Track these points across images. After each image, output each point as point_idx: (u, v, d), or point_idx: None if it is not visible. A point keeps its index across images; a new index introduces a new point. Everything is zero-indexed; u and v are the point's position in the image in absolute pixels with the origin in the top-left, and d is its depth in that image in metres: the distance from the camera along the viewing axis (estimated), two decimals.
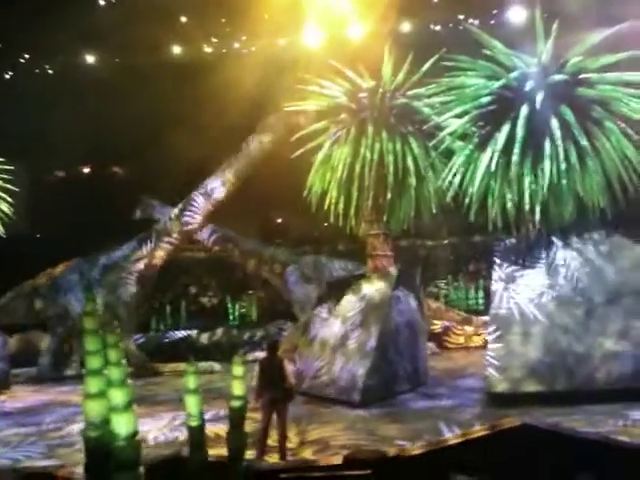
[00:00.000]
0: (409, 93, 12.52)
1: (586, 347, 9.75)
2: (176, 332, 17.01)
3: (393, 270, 12.31)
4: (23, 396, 13.41)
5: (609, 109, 10.56)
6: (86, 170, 24.50)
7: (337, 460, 6.78)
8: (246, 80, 16.92)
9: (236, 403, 4.98)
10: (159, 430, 9.66)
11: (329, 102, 12.68)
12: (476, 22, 19.73)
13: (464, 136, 11.10)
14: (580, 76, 10.61)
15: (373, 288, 11.82)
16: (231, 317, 19.67)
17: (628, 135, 10.44)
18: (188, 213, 16.64)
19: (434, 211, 12.38)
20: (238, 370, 4.88)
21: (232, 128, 17.09)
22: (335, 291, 12.35)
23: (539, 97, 10.07)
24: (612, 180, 10.39)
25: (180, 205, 16.82)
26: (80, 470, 4.45)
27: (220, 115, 17.23)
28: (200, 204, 16.65)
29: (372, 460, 6.32)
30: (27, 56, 22.07)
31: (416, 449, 6.48)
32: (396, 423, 9.45)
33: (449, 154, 11.40)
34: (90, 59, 21.82)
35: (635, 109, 10.42)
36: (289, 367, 8.57)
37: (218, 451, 5.69)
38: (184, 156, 18.01)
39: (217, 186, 16.74)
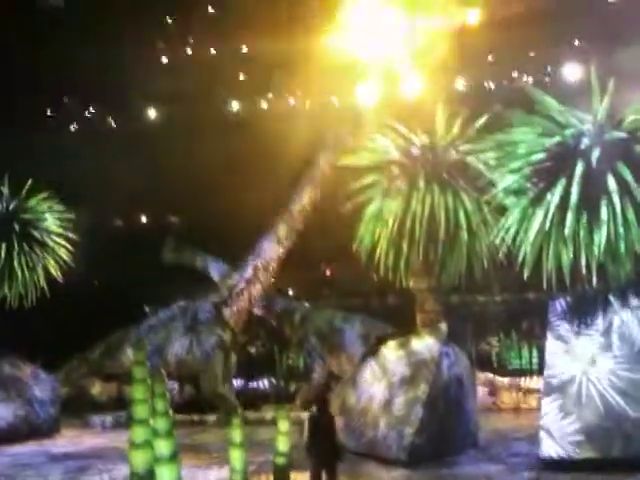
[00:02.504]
0: (462, 148, 12.53)
1: None
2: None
3: (443, 326, 12.10)
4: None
5: None
6: (144, 220, 25.14)
7: None
8: (300, 135, 17.22)
9: (280, 460, 4.89)
10: None
11: (381, 156, 12.77)
12: (530, 79, 19.72)
13: (517, 192, 10.98)
14: (638, 133, 10.45)
15: (422, 344, 11.62)
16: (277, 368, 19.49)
17: None
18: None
19: (486, 267, 12.19)
20: (283, 425, 4.81)
21: (283, 182, 17.41)
22: (382, 347, 12.18)
23: (595, 154, 9.93)
24: None
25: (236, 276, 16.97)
26: None
27: (272, 170, 17.57)
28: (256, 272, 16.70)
29: None
30: (93, 110, 23.04)
31: None
32: None
33: (502, 210, 11.29)
34: (151, 113, 22.63)
35: None
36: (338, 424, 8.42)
37: None
38: (236, 209, 18.34)
39: (271, 248, 16.79)
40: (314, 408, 7.77)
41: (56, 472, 10.86)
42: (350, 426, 11.40)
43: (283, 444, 4.75)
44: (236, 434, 4.57)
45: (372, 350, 12.53)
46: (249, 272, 16.74)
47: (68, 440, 13.75)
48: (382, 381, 11.49)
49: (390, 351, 11.88)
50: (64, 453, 12.40)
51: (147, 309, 18.93)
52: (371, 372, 11.85)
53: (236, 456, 4.61)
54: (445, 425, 10.99)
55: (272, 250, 16.83)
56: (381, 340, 12.63)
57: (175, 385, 16.34)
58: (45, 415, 14.33)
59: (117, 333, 17.12)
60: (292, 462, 5.05)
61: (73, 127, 23.20)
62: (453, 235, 12.01)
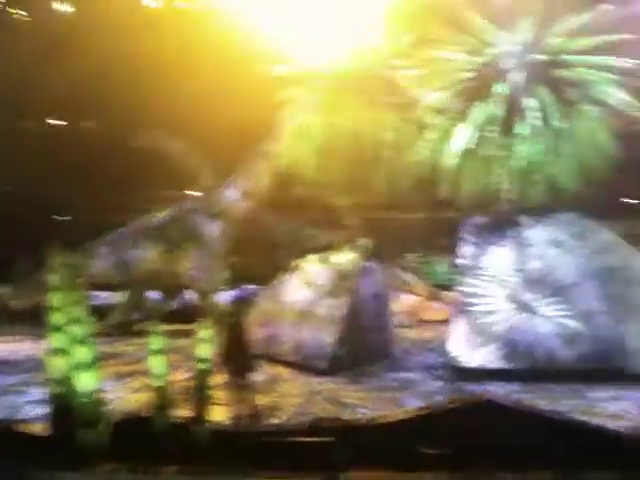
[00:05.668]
0: (389, 64, 12.40)
1: (550, 327, 9.90)
2: None
3: (365, 241, 12.33)
4: None
5: (585, 92, 10.63)
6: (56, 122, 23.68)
7: (300, 426, 6.83)
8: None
9: (201, 366, 4.97)
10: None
11: (307, 68, 12.48)
12: None
13: (441, 110, 11.09)
14: (559, 57, 10.65)
15: (344, 258, 11.85)
16: None
17: (602, 120, 10.54)
18: None
19: (409, 185, 12.38)
20: (205, 333, 4.87)
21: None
22: (306, 259, 12.35)
23: (517, 76, 10.10)
24: (584, 163, 10.49)
25: None
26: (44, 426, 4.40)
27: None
28: None
29: (335, 428, 6.38)
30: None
31: (379, 419, 6.55)
32: (361, 392, 9.53)
33: (427, 128, 11.39)
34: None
35: (611, 94, 10.50)
36: (256, 332, 8.56)
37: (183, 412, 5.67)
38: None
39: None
40: (229, 319, 7.86)
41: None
42: (272, 335, 11.65)
43: (204, 350, 4.83)
44: (154, 342, 4.59)
45: (295, 262, 12.68)
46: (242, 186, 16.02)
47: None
48: (304, 293, 11.73)
49: (313, 264, 12.09)
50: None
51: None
52: (294, 284, 12.07)
53: (155, 363, 4.64)
54: (364, 336, 11.38)
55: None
56: (304, 253, 12.78)
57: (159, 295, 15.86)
58: None
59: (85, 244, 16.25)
60: (213, 368, 5.16)
61: None
62: (377, 151, 12.09)
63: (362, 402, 8.99)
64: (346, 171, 12.32)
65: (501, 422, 6.11)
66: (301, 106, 12.38)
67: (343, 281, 11.40)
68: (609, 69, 10.62)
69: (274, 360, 11.13)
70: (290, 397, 9.31)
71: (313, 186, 12.48)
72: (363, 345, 11.33)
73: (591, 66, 10.59)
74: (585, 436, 6.03)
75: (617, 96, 10.53)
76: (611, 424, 7.04)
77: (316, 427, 6.72)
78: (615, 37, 10.47)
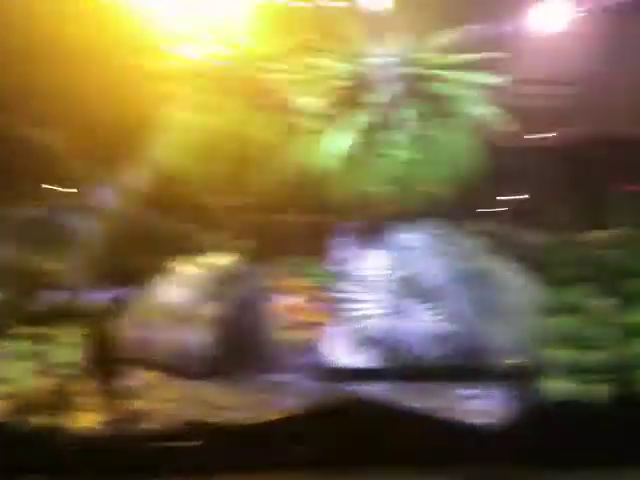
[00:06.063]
0: (269, 67, 12.42)
1: (420, 328, 10.33)
2: None
3: (243, 243, 12.29)
4: None
5: (456, 107, 11.18)
6: None
7: (169, 430, 6.71)
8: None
9: (66, 371, 4.76)
10: None
11: (185, 64, 12.25)
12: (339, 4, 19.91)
13: (318, 115, 11.27)
14: (431, 71, 11.14)
15: (222, 260, 11.75)
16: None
17: (470, 134, 11.15)
18: None
19: (285, 186, 12.44)
20: (71, 337, 4.66)
21: None
22: (183, 260, 12.12)
23: (391, 87, 10.48)
24: (454, 172, 11.03)
25: None
26: None
27: None
28: None
29: (204, 431, 6.32)
30: None
31: (249, 421, 6.56)
32: (235, 396, 9.47)
33: (304, 132, 11.52)
34: None
35: (479, 110, 11.12)
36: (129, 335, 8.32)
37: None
38: None
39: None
40: (98, 322, 7.61)
41: None
42: (146, 338, 11.32)
43: (69, 355, 4.62)
44: (16, 345, 4.35)
45: (172, 263, 12.41)
46: None
47: None
48: (180, 295, 11.49)
49: (190, 265, 11.88)
50: None
51: None
52: (170, 285, 11.79)
53: (16, 367, 4.40)
54: (240, 339, 11.32)
55: None
56: (182, 254, 12.52)
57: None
58: None
59: None
60: (80, 373, 4.95)
61: None
62: (256, 153, 12.07)
63: (237, 405, 8.94)
64: (226, 172, 12.21)
65: (372, 421, 6.29)
66: (181, 103, 12.14)
67: (220, 283, 11.31)
68: (477, 85, 11.22)
69: (148, 364, 10.81)
70: (163, 402, 9.07)
71: (192, 186, 12.27)
72: (239, 348, 11.26)
73: (460, 81, 11.15)
74: (451, 432, 6.31)
75: (484, 111, 11.14)
76: (476, 420, 7.46)
77: (188, 431, 6.62)
78: (483, 55, 11.08)
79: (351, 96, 10.98)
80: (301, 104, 11.26)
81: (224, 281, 11.37)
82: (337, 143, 10.81)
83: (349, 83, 11.04)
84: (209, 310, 11.06)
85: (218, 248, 12.21)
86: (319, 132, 11.09)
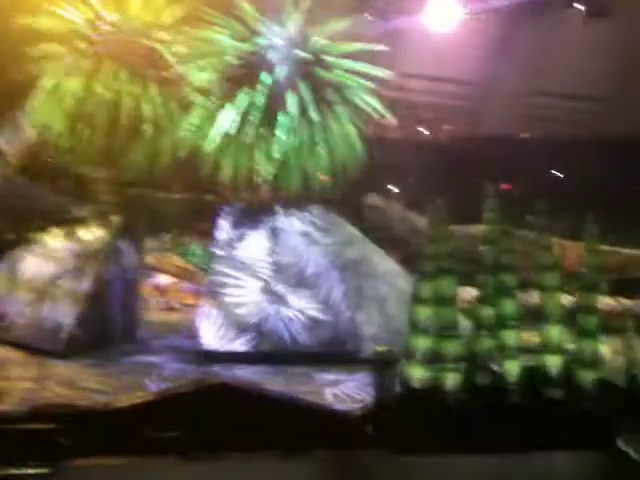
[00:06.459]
0: (155, 36, 11.98)
1: (294, 313, 10.39)
2: None
3: (116, 218, 11.82)
4: None
5: (342, 94, 11.27)
6: None
7: (27, 413, 6.41)
8: None
9: None
10: None
11: (66, 25, 11.56)
12: None
13: (205, 91, 11.03)
14: (322, 57, 11.16)
15: (93, 234, 11.25)
16: None
17: (355, 123, 11.30)
18: None
19: (167, 163, 12.10)
20: None
21: None
22: (50, 231, 11.50)
23: (281, 69, 10.42)
24: (336, 161, 11.16)
25: None
26: None
27: None
28: None
29: (62, 414, 6.05)
30: None
31: (111, 404, 6.35)
32: (100, 377, 9.13)
33: (189, 107, 11.25)
34: None
35: (365, 100, 11.28)
36: None
37: None
38: None
39: None
40: None
41: None
42: (2, 314, 10.70)
43: None
44: None
45: (37, 234, 11.74)
46: None
47: None
48: (43, 268, 10.90)
49: (57, 238, 11.29)
50: None
51: None
52: (32, 258, 11.15)
53: None
54: (107, 317, 10.97)
55: None
56: (49, 225, 11.88)
57: None
58: None
59: None
60: None
61: None
62: (136, 125, 11.62)
63: (101, 386, 8.62)
64: (103, 143, 11.69)
65: (238, 405, 6.24)
66: (59, 67, 11.46)
67: (88, 258, 10.84)
68: (365, 76, 11.36)
69: (3, 341, 10.24)
70: (20, 381, 8.62)
71: (66, 155, 11.65)
72: (106, 327, 10.91)
73: (348, 70, 11.24)
74: (316, 417, 6.38)
75: (370, 102, 11.31)
76: (343, 405, 7.63)
77: (45, 413, 6.31)
78: (374, 47, 11.22)
79: (241, 75, 10.82)
80: (189, 78, 10.98)
81: (93, 256, 10.90)
82: (223, 121, 10.63)
83: (240, 61, 10.86)
84: (75, 285, 10.58)
85: (90, 221, 11.68)
86: (205, 108, 10.87)
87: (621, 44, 26.98)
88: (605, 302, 10.96)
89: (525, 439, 3.27)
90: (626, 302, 13.83)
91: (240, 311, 10.32)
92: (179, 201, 19.70)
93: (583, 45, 26.18)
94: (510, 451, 3.28)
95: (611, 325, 4.94)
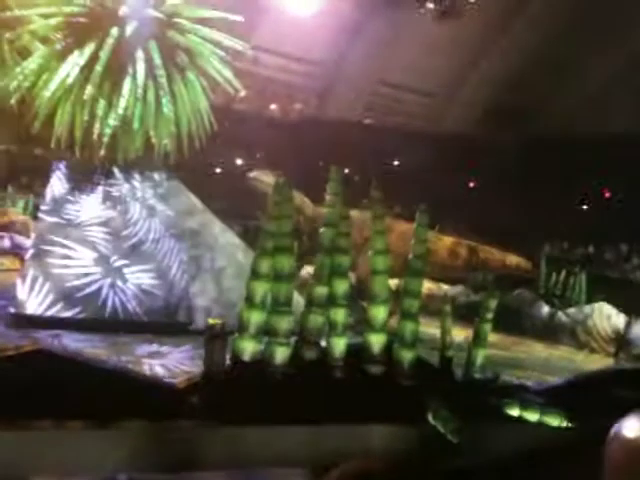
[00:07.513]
0: None
1: (126, 281, 10.01)
2: None
3: None
4: None
5: (194, 60, 10.96)
6: None
7: None
8: None
9: None
10: None
11: None
12: None
13: (44, 39, 10.24)
14: (175, 19, 10.78)
15: None
16: None
17: (205, 90, 11.04)
18: None
19: None
20: None
21: None
22: None
23: (130, 26, 9.91)
24: (181, 128, 10.85)
25: None
26: None
27: None
28: None
29: None
30: None
31: None
32: None
33: (26, 54, 10.41)
34: None
35: (216, 68, 11.05)
36: None
37: None
38: None
39: None
40: None
41: None
42: None
43: None
44: None
45: None
46: None
47: None
48: None
49: None
50: None
51: None
52: None
53: None
54: None
55: None
56: None
57: None
58: None
59: None
60: None
61: None
62: None
63: None
64: None
65: (54, 372, 5.91)
66: None
67: None
68: (218, 44, 11.12)
69: None
70: None
71: None
72: None
73: (203, 37, 10.95)
74: (137, 386, 6.21)
75: (221, 72, 11.11)
76: (168, 375, 7.49)
77: None
78: (230, 16, 10.99)
79: (88, 26, 10.14)
80: (28, 27, 10.13)
81: None
82: (62, 72, 9.93)
83: (89, 11, 10.18)
84: None
85: None
86: (44, 57, 10.09)
87: (462, 46, 28.79)
88: (427, 286, 11.77)
89: (347, 412, 3.41)
90: (445, 287, 14.93)
91: (68, 276, 9.75)
92: (2, 153, 18.14)
93: (428, 43, 27.59)
94: (333, 423, 3.40)
95: (430, 307, 5.28)
